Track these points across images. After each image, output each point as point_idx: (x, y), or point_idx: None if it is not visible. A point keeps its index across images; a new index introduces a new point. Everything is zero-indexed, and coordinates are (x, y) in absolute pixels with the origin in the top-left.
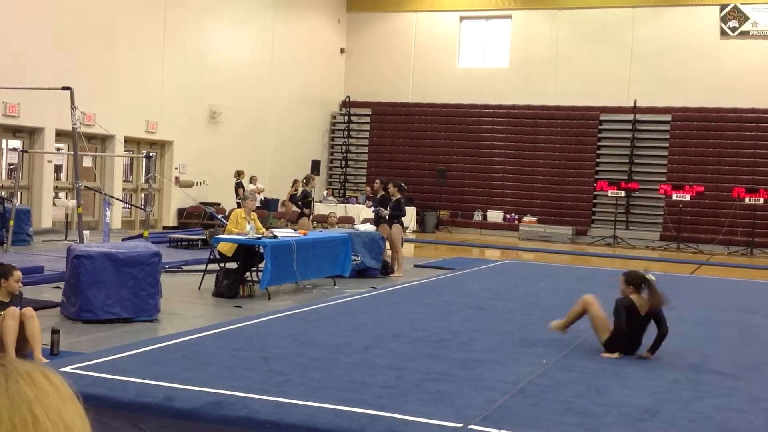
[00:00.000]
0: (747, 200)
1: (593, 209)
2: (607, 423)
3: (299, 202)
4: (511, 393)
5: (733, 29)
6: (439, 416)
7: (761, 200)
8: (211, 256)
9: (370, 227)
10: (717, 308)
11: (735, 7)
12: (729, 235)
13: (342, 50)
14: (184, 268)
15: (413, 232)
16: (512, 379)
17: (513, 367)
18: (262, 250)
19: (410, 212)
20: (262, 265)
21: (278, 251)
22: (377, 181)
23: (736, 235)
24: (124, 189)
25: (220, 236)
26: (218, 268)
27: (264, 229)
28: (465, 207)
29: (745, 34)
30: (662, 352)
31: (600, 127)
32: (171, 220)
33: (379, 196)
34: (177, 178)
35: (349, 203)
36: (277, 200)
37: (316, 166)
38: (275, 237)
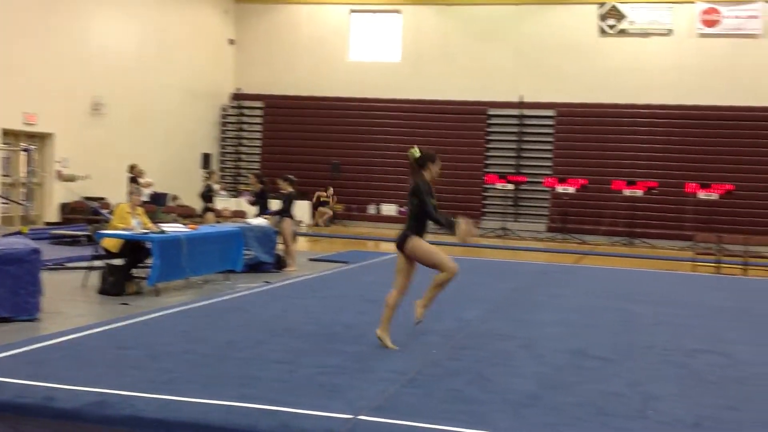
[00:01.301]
0: (627, 192)
1: (483, 202)
2: (492, 410)
3: (205, 196)
4: (401, 383)
5: (612, 27)
6: (330, 408)
7: (640, 192)
8: (96, 253)
9: (262, 221)
10: (599, 296)
11: (613, 6)
12: (611, 226)
13: (231, 41)
14: (68, 265)
15: (308, 225)
16: (402, 370)
17: (404, 358)
18: (149, 246)
19: (304, 206)
20: (150, 261)
21: (166, 246)
22: (252, 176)
23: (618, 226)
24: (2, 183)
25: (105, 232)
26: (103, 265)
27: (151, 224)
28: (359, 200)
29: (623, 32)
30: (547, 339)
31: (488, 121)
32: (53, 215)
33: (256, 190)
34: (59, 172)
35: (242, 197)
36: (166, 194)
37: (207, 159)
38: (163, 232)
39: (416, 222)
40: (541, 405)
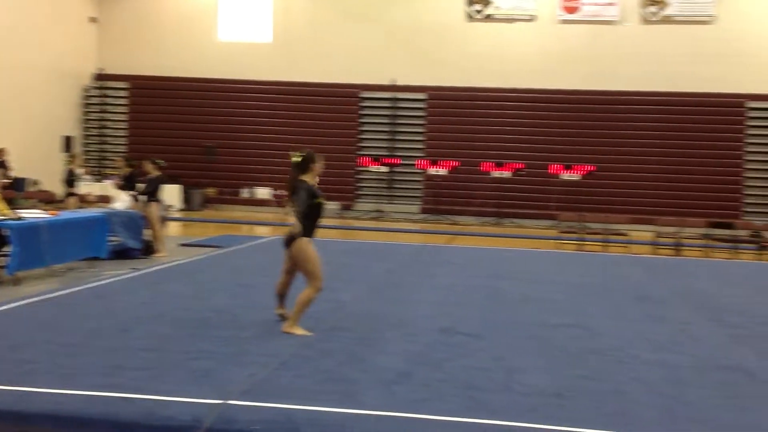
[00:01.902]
0: (495, 174)
1: (357, 184)
2: (363, 389)
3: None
4: (273, 367)
5: (478, 12)
6: (198, 394)
7: (508, 174)
8: None
9: (125, 199)
10: (469, 275)
11: None
12: (481, 207)
13: (92, 19)
14: None
15: (180, 210)
16: (275, 353)
17: (277, 341)
18: (7, 233)
19: (175, 190)
20: (8, 249)
21: (25, 234)
22: (120, 158)
23: (487, 206)
24: None
25: None
26: None
27: (8, 210)
28: (232, 184)
29: (489, 18)
30: (419, 318)
31: (361, 104)
32: None
33: (124, 173)
34: None
35: (108, 181)
36: (25, 179)
37: (68, 142)
38: (21, 218)
39: (308, 222)
40: (411, 382)
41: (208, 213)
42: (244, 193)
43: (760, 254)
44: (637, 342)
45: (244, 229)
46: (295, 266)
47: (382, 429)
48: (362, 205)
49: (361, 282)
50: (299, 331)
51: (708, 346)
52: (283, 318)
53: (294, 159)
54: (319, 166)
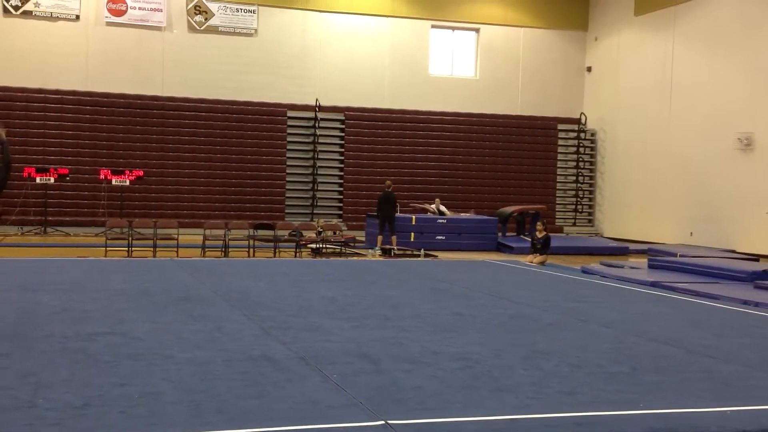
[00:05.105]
0: (38, 180)
1: None
2: None
3: None
4: None
5: (16, 8)
6: None
7: (52, 180)
8: None
9: None
10: (0, 289)
11: None
12: (22, 215)
13: None
14: None
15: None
16: None
17: None
18: None
19: None
20: None
21: None
22: None
23: (30, 214)
24: None
25: None
26: None
27: None
28: None
29: (28, 14)
30: None
31: None
32: None
33: None
34: None
35: None
36: None
37: None
38: None
39: None
40: None
41: None
42: None
43: (299, 251)
44: (171, 343)
45: None
46: None
47: None
48: None
49: None
50: None
51: (239, 340)
52: None
53: None
54: None
